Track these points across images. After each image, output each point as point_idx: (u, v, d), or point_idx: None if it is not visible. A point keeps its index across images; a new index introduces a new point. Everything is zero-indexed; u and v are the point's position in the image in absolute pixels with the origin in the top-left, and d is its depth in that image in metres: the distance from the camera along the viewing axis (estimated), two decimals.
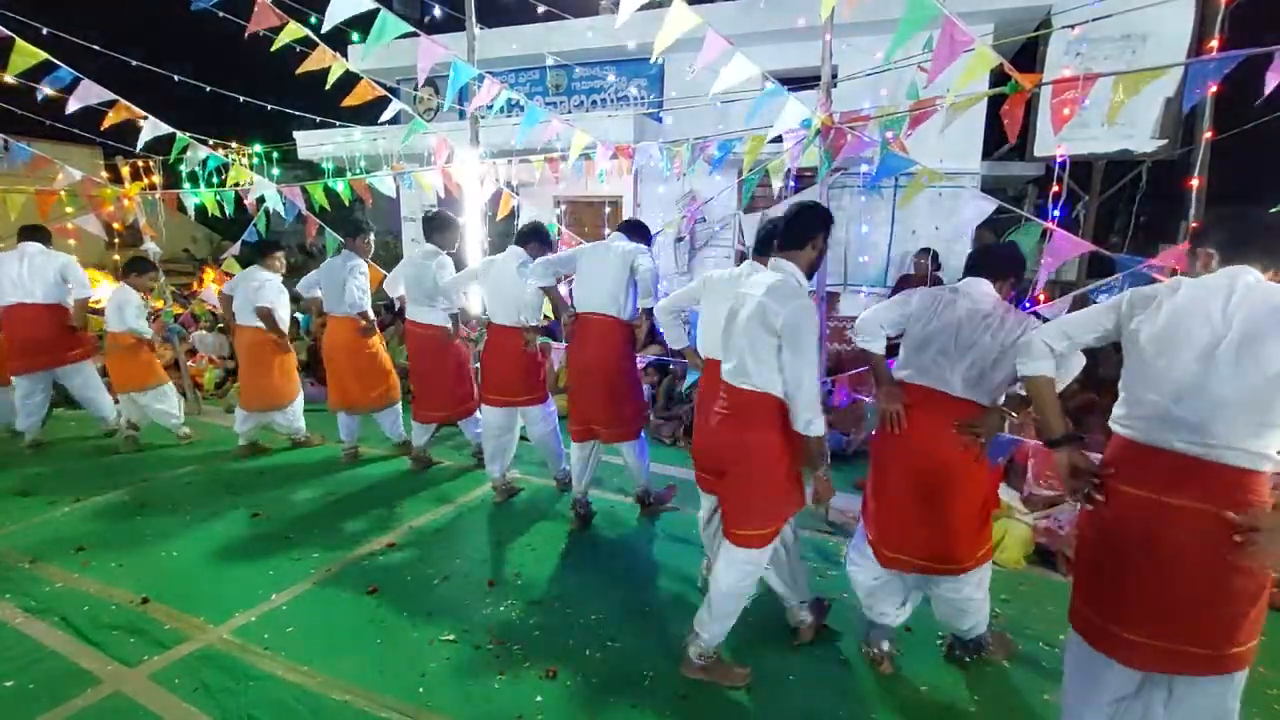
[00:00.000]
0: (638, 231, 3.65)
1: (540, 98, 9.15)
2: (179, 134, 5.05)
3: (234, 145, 6.19)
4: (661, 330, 3.33)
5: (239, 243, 5.90)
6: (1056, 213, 3.24)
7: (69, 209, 5.77)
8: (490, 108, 4.36)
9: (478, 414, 4.58)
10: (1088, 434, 3.93)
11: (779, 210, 7.17)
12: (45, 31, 4.41)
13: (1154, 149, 6.94)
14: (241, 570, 3.26)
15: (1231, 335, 1.52)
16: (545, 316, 4.29)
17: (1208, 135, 3.64)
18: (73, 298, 5.00)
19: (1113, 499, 1.67)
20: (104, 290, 6.68)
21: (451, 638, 2.71)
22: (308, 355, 6.49)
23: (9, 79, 4.24)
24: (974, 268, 2.37)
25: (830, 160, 3.45)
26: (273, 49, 3.92)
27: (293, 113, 6.29)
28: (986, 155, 7.57)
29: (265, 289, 4.68)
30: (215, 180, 5.65)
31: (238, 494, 4.21)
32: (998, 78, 2.86)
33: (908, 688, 2.44)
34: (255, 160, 6.64)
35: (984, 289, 2.30)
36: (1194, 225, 2.80)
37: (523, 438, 4.23)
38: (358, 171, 6.17)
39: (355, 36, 4.29)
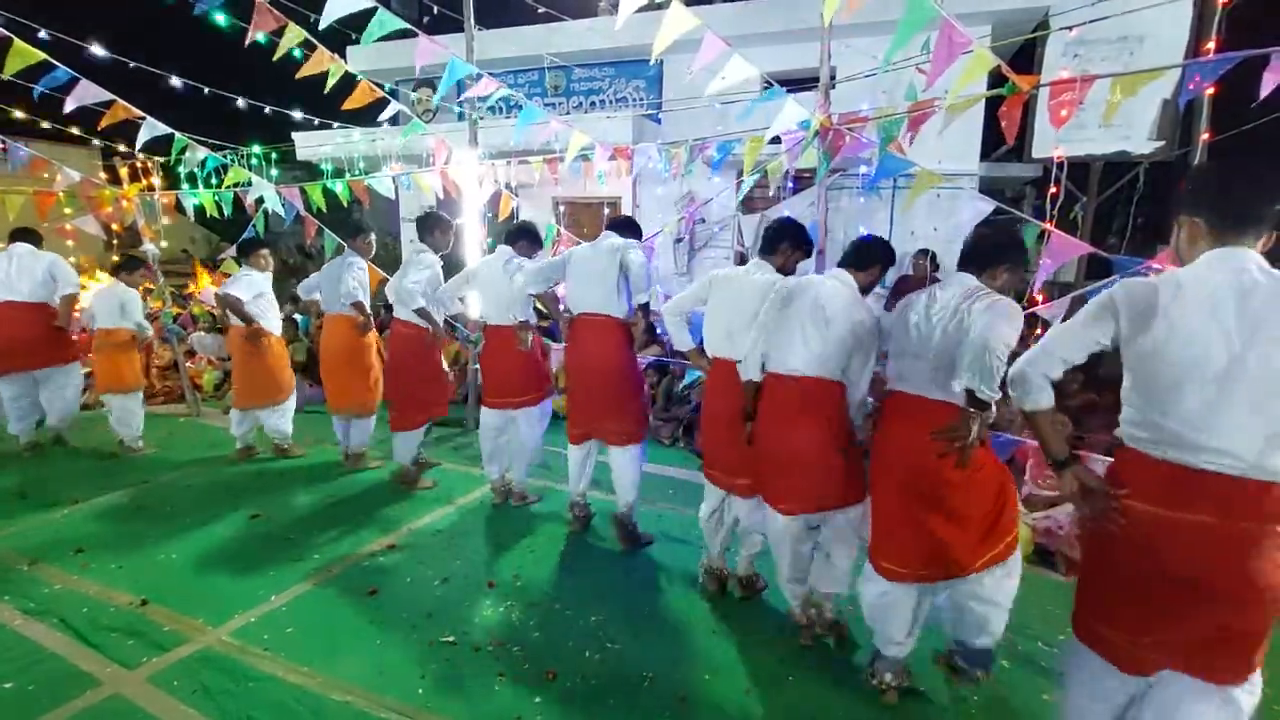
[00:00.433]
0: (628, 228, 3.63)
1: (539, 98, 9.16)
2: (177, 134, 5.05)
3: (233, 146, 6.19)
4: (667, 332, 3.29)
5: (236, 244, 5.90)
6: (1054, 213, 3.25)
7: (67, 210, 5.76)
8: (486, 101, 4.37)
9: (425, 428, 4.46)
10: (1089, 434, 3.95)
11: (778, 211, 7.18)
12: (43, 32, 4.40)
13: (1151, 150, 6.96)
14: (241, 572, 3.26)
15: (1253, 352, 1.40)
16: (542, 315, 4.29)
17: (1205, 137, 3.65)
18: (59, 294, 4.93)
19: (1128, 516, 1.58)
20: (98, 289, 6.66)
21: (451, 639, 2.71)
22: (306, 356, 6.49)
23: (6, 78, 4.23)
24: (960, 262, 2.30)
25: (828, 161, 3.46)
26: (274, 58, 3.93)
27: (292, 114, 6.29)
28: (985, 156, 7.59)
29: (236, 284, 4.66)
30: (214, 181, 5.65)
31: (236, 496, 4.21)
32: (995, 79, 2.86)
33: (906, 688, 2.44)
34: (254, 161, 6.65)
35: (961, 281, 2.21)
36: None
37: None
38: (356, 173, 6.19)
39: (354, 37, 4.31)
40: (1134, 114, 6.87)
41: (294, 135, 9.09)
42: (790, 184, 7.46)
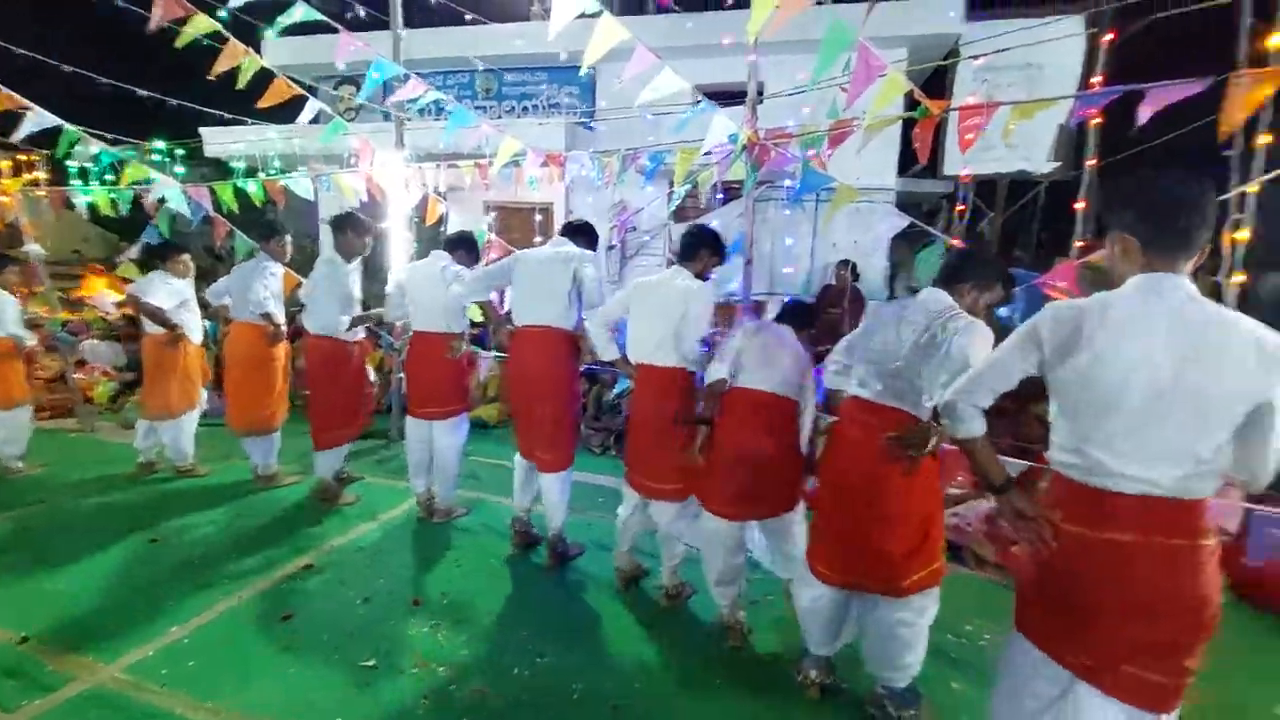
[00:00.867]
0: (582, 234, 3.45)
1: (470, 101, 8.99)
2: (67, 126, 4.66)
3: (133, 141, 5.75)
4: (594, 343, 3.22)
5: (137, 245, 5.49)
6: (962, 228, 3.45)
7: None
8: (414, 104, 4.24)
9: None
10: (996, 439, 4.20)
11: (707, 220, 7.31)
12: None
13: (1050, 170, 7.51)
14: (137, 602, 3.01)
15: (1181, 382, 1.40)
16: (473, 323, 4.19)
17: (1091, 162, 3.97)
18: None
19: (1061, 539, 1.58)
20: None
21: (372, 663, 2.59)
22: (215, 365, 6.09)
23: None
24: (938, 279, 2.30)
25: (755, 175, 3.55)
26: (178, 44, 3.69)
27: (199, 109, 5.91)
28: (902, 172, 7.97)
29: (154, 290, 4.33)
30: (110, 178, 5.24)
31: (134, 518, 3.89)
32: (911, 101, 3.03)
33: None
34: (159, 157, 6.21)
35: (935, 298, 2.23)
36: (1079, 244, 3.06)
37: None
38: (271, 172, 5.88)
39: (270, 30, 4.10)
40: (1035, 136, 7.41)
41: (202, 131, 8.56)
42: (720, 195, 7.63)
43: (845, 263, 6.74)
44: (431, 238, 5.68)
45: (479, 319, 4.45)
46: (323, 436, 4.11)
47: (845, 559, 2.28)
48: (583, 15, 2.90)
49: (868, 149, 3.22)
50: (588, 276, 3.25)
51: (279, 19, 3.49)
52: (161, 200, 5.10)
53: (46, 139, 4.73)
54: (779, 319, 2.91)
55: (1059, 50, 6.90)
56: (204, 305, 4.81)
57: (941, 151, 7.57)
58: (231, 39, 3.79)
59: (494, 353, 5.30)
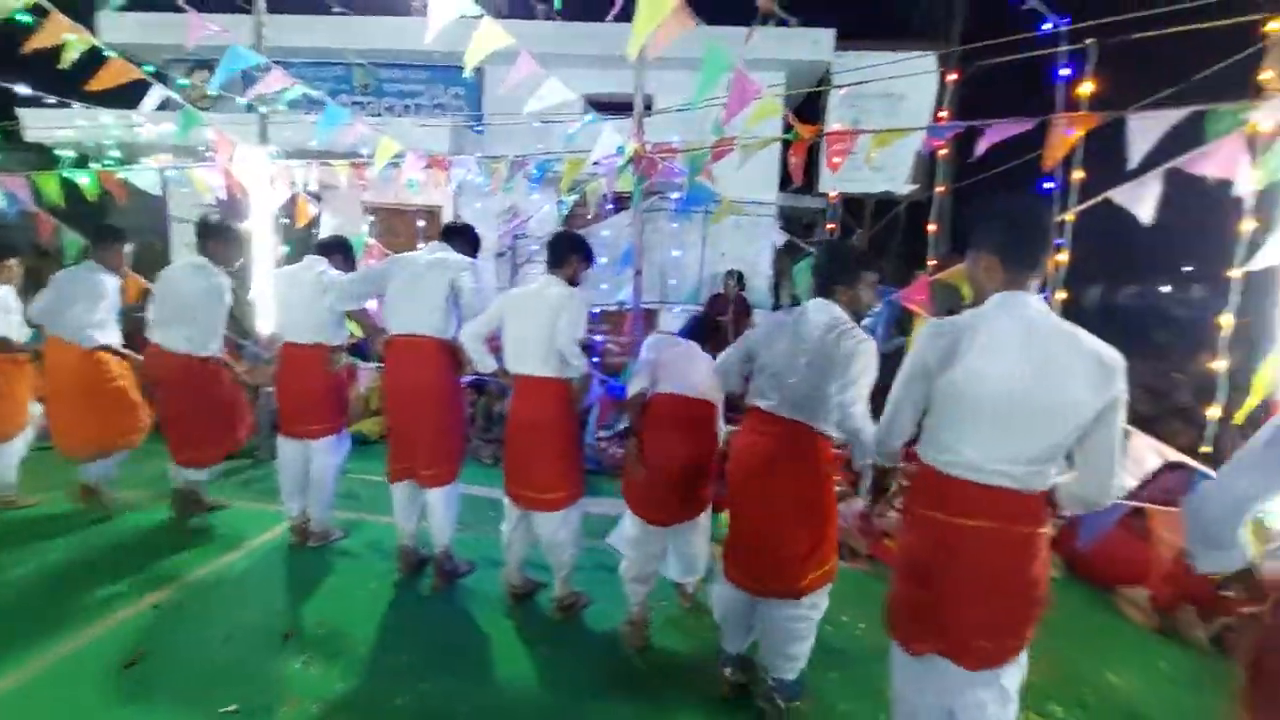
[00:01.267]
0: (462, 238, 3.29)
1: (346, 96, 8.49)
2: None
3: None
4: (472, 357, 3.11)
5: None
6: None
7: None
8: (280, 97, 3.95)
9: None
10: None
11: (596, 229, 7.34)
12: None
13: (909, 191, 8.25)
14: None
15: (1035, 388, 1.56)
16: (350, 334, 3.95)
17: (940, 189, 4.40)
18: None
19: (927, 526, 1.75)
20: None
21: (234, 708, 2.36)
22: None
23: None
24: (814, 289, 2.39)
25: (642, 187, 3.63)
26: None
27: (12, 89, 5.15)
28: (783, 187, 8.43)
29: None
30: None
31: None
32: (787, 123, 3.22)
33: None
34: None
35: (821, 310, 2.30)
36: (932, 262, 3.38)
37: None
38: (108, 163, 5.24)
39: (109, 5, 3.66)
40: (897, 160, 8.11)
41: (20, 113, 7.48)
42: (610, 204, 7.70)
43: (732, 273, 7.02)
44: (303, 240, 5.30)
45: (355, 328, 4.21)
46: (186, 456, 3.74)
47: (750, 565, 2.36)
48: (463, 16, 2.83)
49: (751, 165, 3.39)
50: (465, 287, 3.10)
51: None
52: None
53: None
54: (684, 335, 2.99)
55: (917, 83, 7.63)
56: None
57: (817, 170, 8.11)
58: (54, 12, 3.34)
59: (374, 363, 5.02)
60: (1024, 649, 1.73)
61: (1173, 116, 2.42)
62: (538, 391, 2.88)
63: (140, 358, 3.82)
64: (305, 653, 2.71)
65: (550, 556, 3.02)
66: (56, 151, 5.84)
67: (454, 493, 3.28)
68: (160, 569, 3.33)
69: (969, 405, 1.64)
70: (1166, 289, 14.95)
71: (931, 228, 3.65)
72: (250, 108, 4.72)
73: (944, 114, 3.14)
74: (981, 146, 2.81)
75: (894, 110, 8.29)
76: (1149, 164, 2.47)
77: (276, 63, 3.98)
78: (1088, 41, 2.89)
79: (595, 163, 3.84)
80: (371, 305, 3.59)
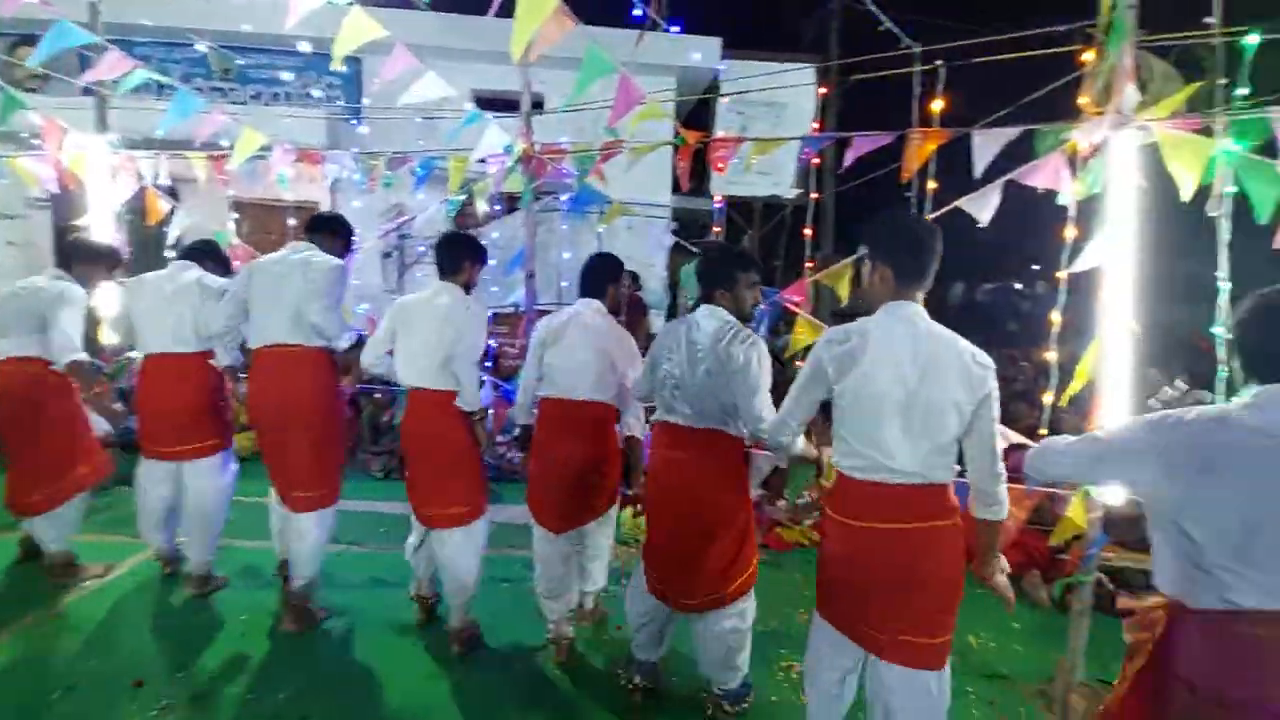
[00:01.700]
0: (330, 233, 3.04)
1: (203, 80, 7.77)
2: None
3: None
4: (376, 374, 2.97)
5: None
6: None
7: None
8: (119, 85, 3.54)
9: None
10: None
11: (487, 231, 7.17)
12: None
13: (794, 196, 8.69)
14: None
15: (922, 389, 1.70)
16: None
17: (815, 196, 4.67)
18: None
19: (843, 529, 1.84)
20: None
21: None
22: None
23: None
24: (699, 295, 2.43)
25: (531, 187, 3.57)
26: None
27: None
28: (676, 190, 8.61)
29: None
30: None
31: None
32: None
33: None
34: None
35: (709, 316, 2.31)
36: (809, 264, 3.58)
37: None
38: None
39: None
40: (782, 165, 8.52)
41: None
42: (499, 205, 7.53)
43: (626, 273, 7.08)
44: (156, 240, 4.79)
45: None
46: (30, 499, 3.21)
47: (673, 580, 2.36)
48: (330, 3, 2.65)
49: (644, 168, 3.43)
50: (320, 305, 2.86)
51: None
52: None
53: None
54: (581, 290, 2.90)
55: (798, 93, 8.03)
56: None
57: (708, 173, 8.35)
58: None
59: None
60: (947, 651, 1.84)
61: (1009, 134, 2.70)
62: (431, 404, 2.73)
63: None
64: (162, 700, 2.44)
65: (449, 582, 2.81)
66: None
67: (327, 518, 3.00)
68: None
69: (869, 409, 1.76)
70: (1018, 286, 16.70)
71: (808, 231, 3.85)
72: (88, 90, 4.20)
73: (815, 125, 3.34)
74: (849, 157, 3.00)
75: (778, 118, 8.70)
76: (990, 175, 2.74)
77: (114, 41, 3.56)
78: (937, 63, 3.16)
79: (481, 161, 3.74)
80: None
